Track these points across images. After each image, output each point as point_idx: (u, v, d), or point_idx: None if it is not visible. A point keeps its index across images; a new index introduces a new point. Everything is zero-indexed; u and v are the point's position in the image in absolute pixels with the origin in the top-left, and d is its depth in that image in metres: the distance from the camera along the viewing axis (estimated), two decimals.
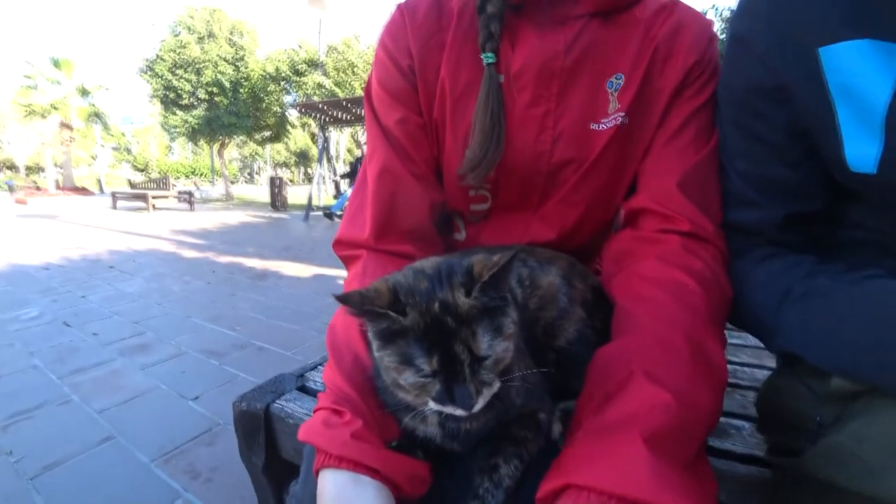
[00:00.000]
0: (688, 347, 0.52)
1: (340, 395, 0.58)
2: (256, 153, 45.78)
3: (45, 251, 6.35)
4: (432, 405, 0.47)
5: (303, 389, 0.98)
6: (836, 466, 0.47)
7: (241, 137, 21.42)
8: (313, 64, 18.34)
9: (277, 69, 18.90)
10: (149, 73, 18.74)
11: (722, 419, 0.82)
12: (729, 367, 1.08)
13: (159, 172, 37.48)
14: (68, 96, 25.08)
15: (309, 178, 13.43)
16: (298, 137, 35.17)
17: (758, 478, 0.67)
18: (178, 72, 18.51)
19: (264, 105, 19.57)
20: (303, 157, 42.99)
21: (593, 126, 0.70)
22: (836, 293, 0.53)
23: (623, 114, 0.69)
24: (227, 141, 20.62)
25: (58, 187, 25.62)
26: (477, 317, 0.45)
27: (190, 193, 14.91)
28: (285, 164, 46.73)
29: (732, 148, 0.66)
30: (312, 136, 24.93)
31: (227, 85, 18.82)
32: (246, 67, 19.29)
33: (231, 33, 19.77)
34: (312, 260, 5.99)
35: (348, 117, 12.05)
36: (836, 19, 0.50)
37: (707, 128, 0.70)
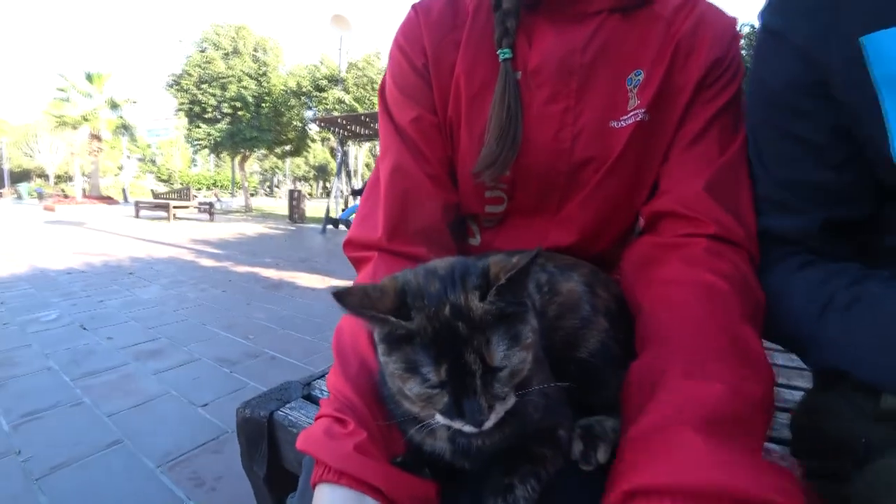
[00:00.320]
0: (727, 342, 0.48)
1: (344, 403, 0.55)
2: (277, 167, 46.63)
3: (68, 256, 6.50)
4: (439, 419, 0.43)
5: (309, 398, 0.95)
6: (889, 494, 0.42)
7: (262, 151, 21.78)
8: (334, 80, 18.72)
9: (299, 84, 19.33)
10: (175, 87, 19.28)
11: None
12: None
13: (182, 183, 38.33)
14: (98, 109, 25.95)
15: (327, 192, 13.70)
16: (318, 152, 35.71)
17: None
18: (203, 86, 19.01)
19: (285, 119, 19.94)
20: (322, 172, 43.66)
21: (613, 124, 0.68)
22: (888, 300, 0.48)
23: (643, 110, 0.67)
24: (248, 154, 20.99)
25: (84, 196, 26.40)
26: (492, 323, 0.41)
27: (210, 204, 15.20)
28: (304, 178, 47.46)
29: (766, 151, 0.62)
30: (331, 150, 25.29)
31: (251, 99, 19.24)
32: (268, 82, 19.75)
33: (255, 49, 20.29)
34: (328, 272, 6.01)
35: (367, 132, 12.22)
36: (879, 5, 0.46)
37: (731, 129, 0.67)
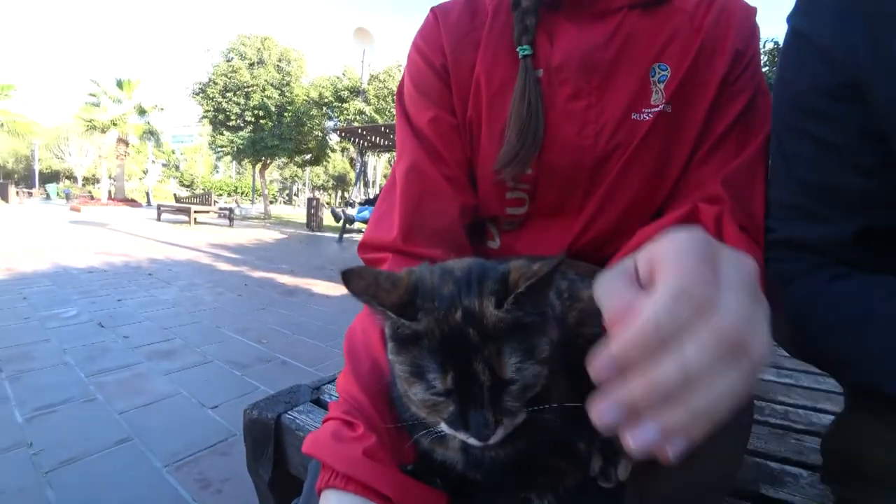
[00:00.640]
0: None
1: (354, 405, 0.53)
2: (296, 175, 47.30)
3: (90, 255, 6.64)
4: (444, 428, 0.41)
5: (317, 402, 0.94)
6: None
7: (282, 159, 22.12)
8: (355, 91, 18.99)
9: (321, 94, 19.65)
10: (201, 95, 19.79)
11: (774, 464, 0.74)
12: (780, 408, 0.99)
13: (204, 189, 39.10)
14: (127, 114, 26.71)
15: (346, 203, 13.86)
16: (337, 162, 36.18)
17: None
18: (228, 95, 19.46)
19: (306, 129, 20.25)
20: (340, 181, 44.13)
21: (635, 116, 0.67)
22: None
23: (666, 102, 0.66)
24: (269, 162, 21.33)
25: (110, 198, 27.09)
26: (506, 333, 0.38)
27: (230, 210, 15.43)
28: (323, 188, 48.03)
29: (793, 155, 0.59)
30: (351, 160, 25.61)
31: (273, 108, 19.62)
32: (291, 92, 20.14)
33: (279, 60, 20.76)
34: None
35: (386, 143, 12.36)
36: None
37: (751, 129, 0.66)
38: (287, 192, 51.93)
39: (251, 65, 19.95)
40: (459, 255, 0.70)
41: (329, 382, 1.03)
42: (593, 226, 0.71)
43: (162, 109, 28.71)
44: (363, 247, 0.74)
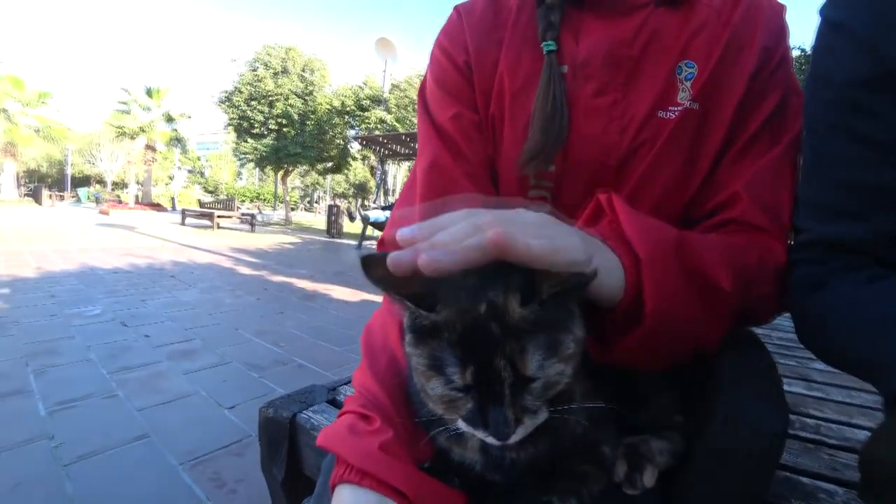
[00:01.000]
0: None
1: (370, 399, 0.52)
2: (318, 183, 47.95)
3: (116, 257, 6.82)
4: (462, 426, 0.39)
5: (333, 403, 0.93)
6: None
7: (304, 167, 22.43)
8: (377, 100, 19.22)
9: (343, 103, 19.92)
10: (226, 103, 20.25)
11: (806, 480, 0.70)
12: (812, 422, 0.95)
13: (227, 195, 39.86)
14: (155, 121, 27.54)
15: (366, 210, 14.04)
16: (358, 170, 36.55)
17: None
18: (252, 103, 19.86)
19: (328, 137, 20.52)
20: (361, 189, 44.56)
21: (661, 114, 0.65)
22: None
23: (693, 99, 0.64)
24: (291, 169, 21.66)
25: (137, 202, 27.85)
26: (530, 329, 0.36)
27: (252, 216, 15.68)
28: (343, 195, 48.54)
29: (828, 153, 0.57)
30: (371, 168, 25.87)
31: (296, 117, 19.95)
32: (314, 101, 20.46)
33: (303, 69, 21.13)
34: (362, 286, 6.03)
35: (406, 151, 12.45)
36: None
37: (779, 130, 0.64)
38: (308, 199, 52.63)
39: (275, 74, 20.35)
40: None
41: (345, 384, 1.02)
42: None
43: (189, 117, 29.52)
44: (381, 245, 0.73)
